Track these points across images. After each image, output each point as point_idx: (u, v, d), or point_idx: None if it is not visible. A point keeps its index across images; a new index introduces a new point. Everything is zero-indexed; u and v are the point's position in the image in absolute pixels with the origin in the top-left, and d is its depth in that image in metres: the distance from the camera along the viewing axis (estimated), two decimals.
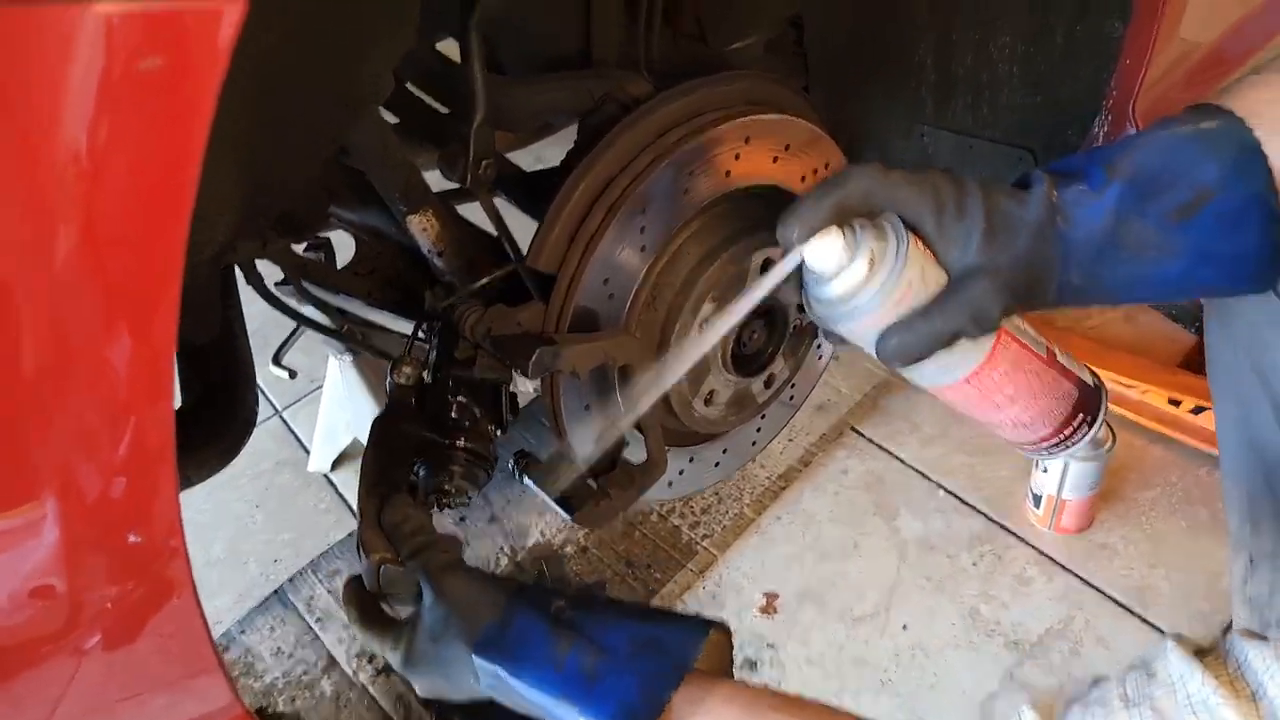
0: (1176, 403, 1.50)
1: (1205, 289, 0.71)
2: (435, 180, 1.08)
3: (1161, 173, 0.63)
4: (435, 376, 1.00)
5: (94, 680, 0.67)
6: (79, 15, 0.44)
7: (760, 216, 1.01)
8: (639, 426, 1.01)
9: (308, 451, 1.81)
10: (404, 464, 0.99)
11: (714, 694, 0.68)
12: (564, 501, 1.03)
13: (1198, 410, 1.48)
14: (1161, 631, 1.31)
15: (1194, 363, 1.61)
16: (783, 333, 1.09)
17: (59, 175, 0.48)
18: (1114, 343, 1.66)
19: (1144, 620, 1.33)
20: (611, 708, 0.67)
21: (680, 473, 1.14)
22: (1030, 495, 1.45)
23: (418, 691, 0.79)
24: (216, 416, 1.11)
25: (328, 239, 1.45)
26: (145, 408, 0.59)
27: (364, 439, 1.67)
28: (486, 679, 0.72)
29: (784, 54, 1.32)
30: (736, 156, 0.96)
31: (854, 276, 0.62)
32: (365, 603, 0.83)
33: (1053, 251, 0.63)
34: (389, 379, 1.05)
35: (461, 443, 1.02)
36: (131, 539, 0.65)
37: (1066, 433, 0.72)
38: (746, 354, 1.06)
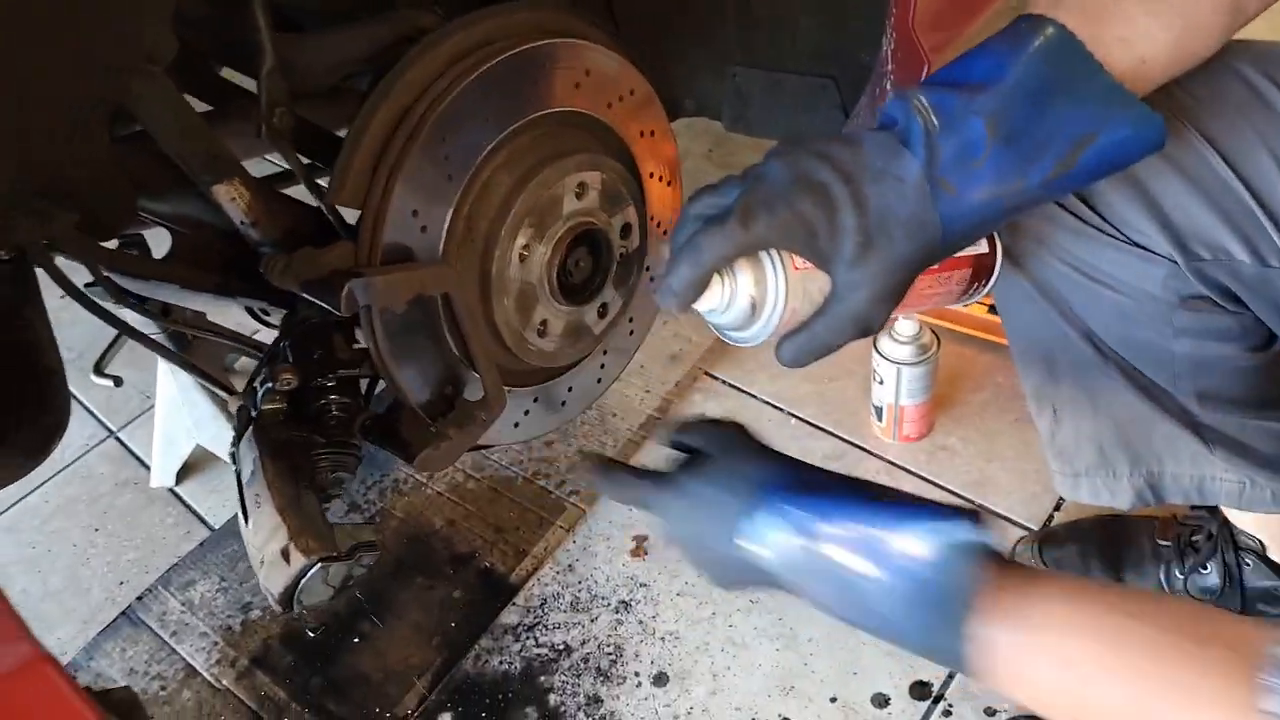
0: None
1: None
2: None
3: (1036, 130, 0.63)
4: (313, 378, 0.98)
5: None
6: None
7: (568, 142, 1.02)
8: (473, 362, 1.00)
9: (149, 468, 1.70)
10: (308, 473, 0.97)
11: (1042, 576, 0.58)
12: (402, 448, 1.01)
13: None
14: (1002, 517, 1.40)
15: None
16: (609, 260, 1.10)
17: None
18: None
19: (984, 508, 1.41)
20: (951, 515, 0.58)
21: (525, 413, 1.14)
22: (873, 410, 1.52)
23: (690, 557, 0.68)
24: (13, 417, 1.04)
25: (140, 235, 1.38)
26: None
27: (207, 444, 1.61)
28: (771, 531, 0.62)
29: (589, 3, 1.34)
30: (535, 83, 0.97)
31: (738, 314, 0.65)
32: (611, 467, 0.72)
33: (933, 232, 0.64)
34: (260, 386, 1.01)
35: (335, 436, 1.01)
36: None
37: (966, 297, 0.80)
38: (574, 282, 1.07)
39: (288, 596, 0.98)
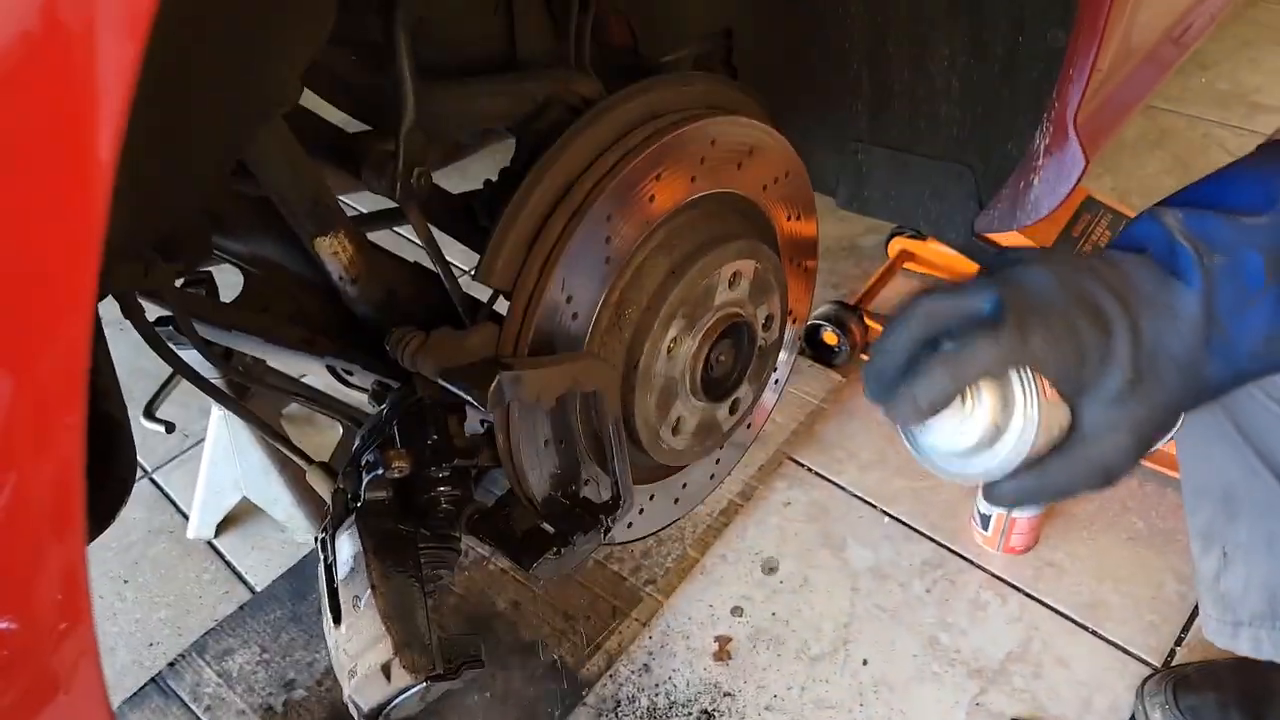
0: None
1: None
2: None
3: None
4: (425, 466, 0.87)
5: None
6: None
7: (725, 227, 0.93)
8: (606, 463, 0.90)
9: (186, 516, 1.58)
10: (413, 572, 0.86)
11: None
12: (515, 551, 0.90)
13: None
14: (1118, 647, 1.30)
15: None
16: (749, 354, 1.01)
17: None
18: None
19: (1099, 636, 1.31)
20: None
21: (640, 512, 1.04)
22: (977, 516, 1.42)
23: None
24: (90, 473, 0.93)
25: (209, 273, 1.28)
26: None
27: (254, 498, 1.49)
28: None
29: (713, 68, 1.26)
30: (701, 161, 0.88)
31: (968, 440, 0.56)
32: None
33: (1203, 376, 0.56)
34: (365, 472, 0.90)
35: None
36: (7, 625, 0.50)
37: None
38: (714, 377, 0.98)
39: (377, 713, 0.87)
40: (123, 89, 0.41)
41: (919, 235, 1.88)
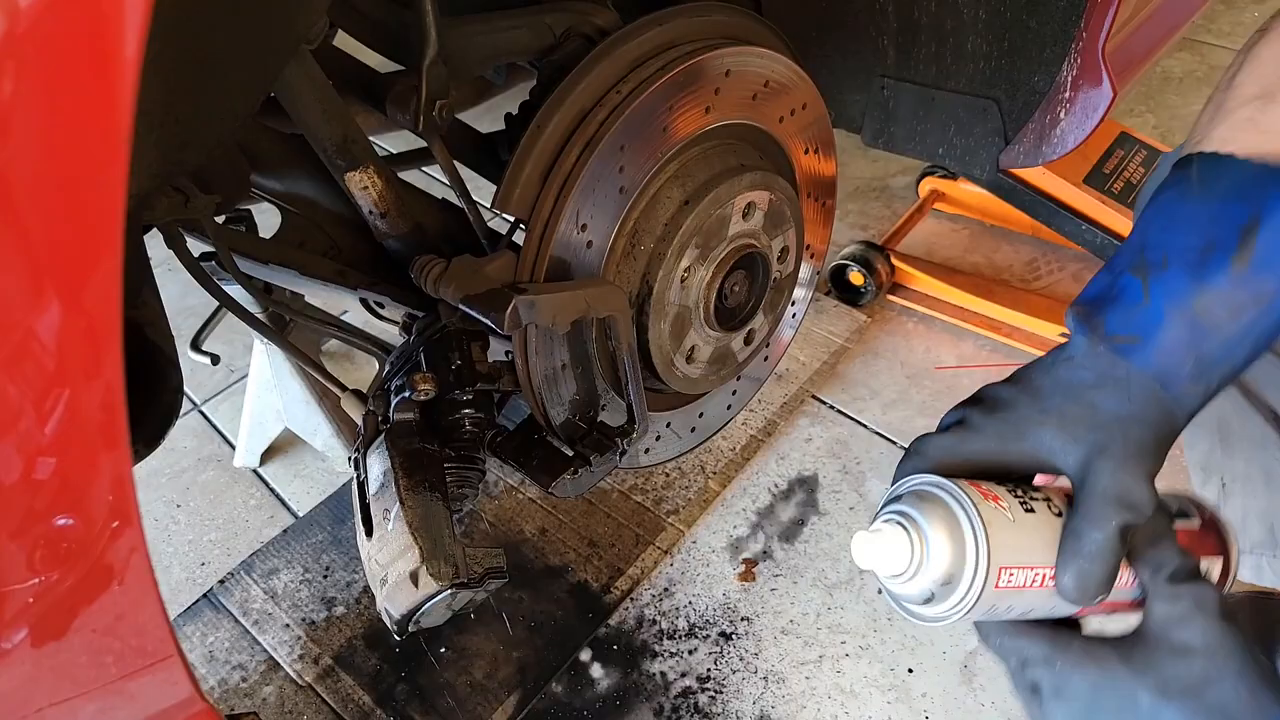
0: None
1: None
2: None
3: (1189, 238, 0.56)
4: (450, 390, 0.92)
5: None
6: None
7: (740, 157, 0.94)
8: (621, 387, 0.93)
9: (232, 446, 1.66)
10: (439, 489, 0.91)
11: None
12: (536, 470, 0.95)
13: None
14: None
15: None
16: (764, 285, 1.03)
17: None
18: (1066, 300, 1.67)
19: None
20: None
21: (657, 438, 1.08)
22: None
23: None
24: (138, 398, 0.99)
25: (249, 212, 1.33)
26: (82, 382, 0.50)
27: (295, 428, 1.56)
28: None
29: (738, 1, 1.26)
30: (716, 91, 0.89)
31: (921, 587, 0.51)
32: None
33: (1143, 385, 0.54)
34: (394, 392, 0.95)
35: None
36: (63, 521, 0.55)
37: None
38: (728, 307, 1.00)
39: (407, 619, 0.93)
40: None
41: (950, 175, 1.86)
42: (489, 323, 0.80)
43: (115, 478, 0.60)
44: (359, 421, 1.06)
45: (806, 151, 1.05)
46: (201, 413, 1.75)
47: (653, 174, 0.88)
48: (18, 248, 0.44)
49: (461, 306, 0.83)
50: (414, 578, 0.88)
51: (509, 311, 0.78)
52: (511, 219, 0.89)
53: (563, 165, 0.82)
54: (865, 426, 1.57)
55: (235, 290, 1.26)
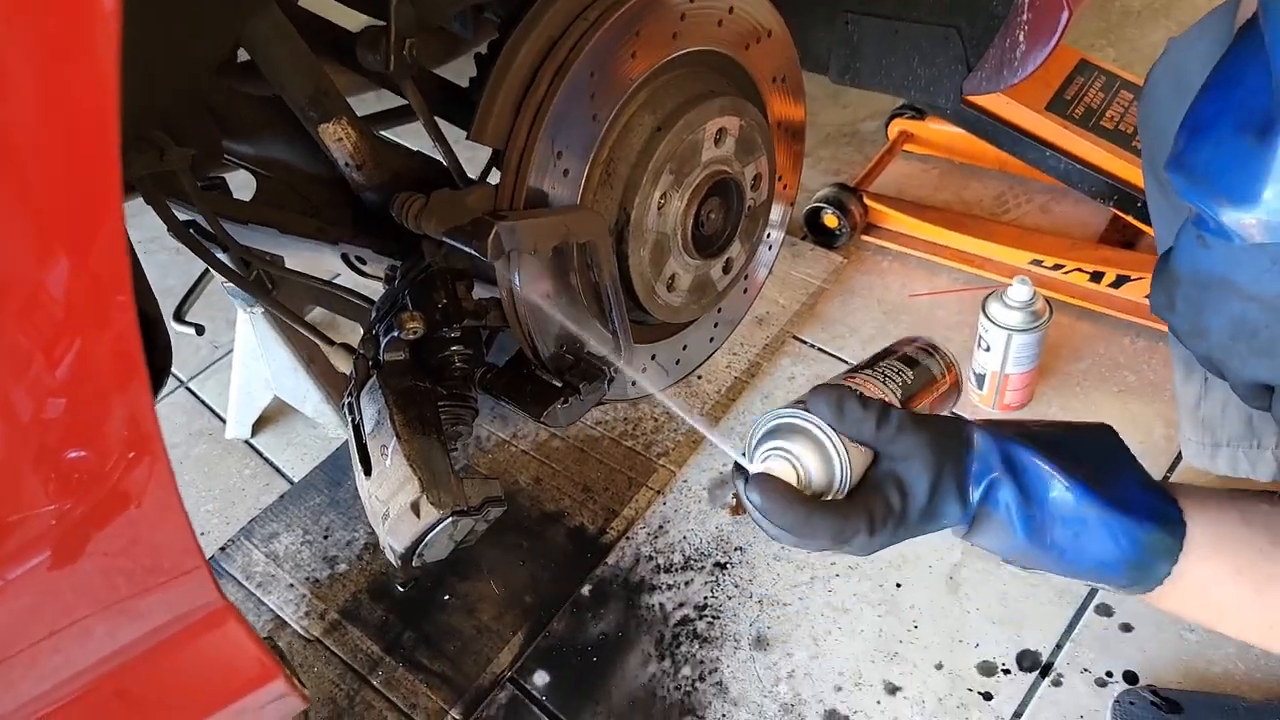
0: (1099, 277, 1.55)
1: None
2: None
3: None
4: (438, 328, 0.94)
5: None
6: None
7: (708, 84, 0.96)
8: (605, 315, 0.96)
9: (223, 420, 1.68)
10: (433, 424, 0.93)
11: (1205, 493, 0.68)
12: (526, 403, 0.97)
13: (1119, 282, 1.53)
14: None
15: (1110, 239, 1.67)
16: (739, 212, 1.05)
17: None
18: (1034, 230, 1.71)
19: None
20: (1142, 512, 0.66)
21: (643, 370, 1.10)
22: (973, 376, 1.47)
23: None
24: None
25: (222, 179, 1.34)
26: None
27: (284, 396, 1.58)
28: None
29: None
30: (682, 18, 0.91)
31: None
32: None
33: None
34: (382, 334, 0.97)
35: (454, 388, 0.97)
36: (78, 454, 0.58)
37: None
38: (705, 234, 1.03)
39: (411, 551, 0.95)
40: None
41: (918, 114, 1.89)
42: (472, 251, 0.82)
43: (132, 413, 0.62)
44: (349, 374, 1.09)
45: (774, 80, 1.07)
46: (189, 389, 1.76)
47: (624, 101, 0.90)
48: (26, 195, 0.47)
49: (444, 239, 0.85)
50: (415, 508, 0.91)
51: (491, 238, 0.80)
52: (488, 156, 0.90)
53: (534, 94, 0.84)
54: (846, 362, 1.60)
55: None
